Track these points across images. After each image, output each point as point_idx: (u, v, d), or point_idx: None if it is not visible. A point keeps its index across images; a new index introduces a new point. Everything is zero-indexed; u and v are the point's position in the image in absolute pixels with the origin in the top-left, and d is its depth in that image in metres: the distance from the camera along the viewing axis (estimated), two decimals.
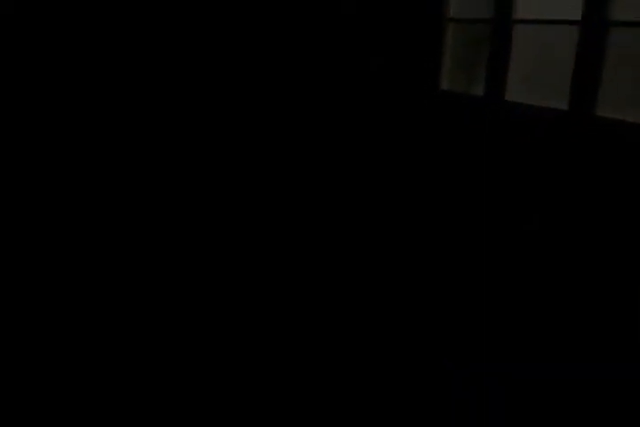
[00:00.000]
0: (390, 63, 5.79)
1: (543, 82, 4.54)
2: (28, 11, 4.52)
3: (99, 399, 2.54)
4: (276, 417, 2.40)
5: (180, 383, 2.64)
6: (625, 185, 3.87)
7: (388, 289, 3.51)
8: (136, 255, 3.99)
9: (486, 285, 3.59)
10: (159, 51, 5.29)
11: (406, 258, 3.94)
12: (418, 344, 2.91)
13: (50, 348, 2.92)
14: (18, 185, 5.14)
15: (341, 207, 4.86)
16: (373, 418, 2.39)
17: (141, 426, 2.37)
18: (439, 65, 5.36)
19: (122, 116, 5.36)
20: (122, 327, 3.12)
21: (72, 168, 5.32)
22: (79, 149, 5.32)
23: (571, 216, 4.28)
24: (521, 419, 2.36)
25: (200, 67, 5.43)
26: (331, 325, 3.11)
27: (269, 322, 3.15)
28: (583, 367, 2.63)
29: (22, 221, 4.54)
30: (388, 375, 2.66)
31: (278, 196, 5.18)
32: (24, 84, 5.02)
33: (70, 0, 4.83)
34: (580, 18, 4.23)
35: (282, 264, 3.85)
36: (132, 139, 5.45)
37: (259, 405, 2.48)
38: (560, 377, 2.58)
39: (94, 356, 2.86)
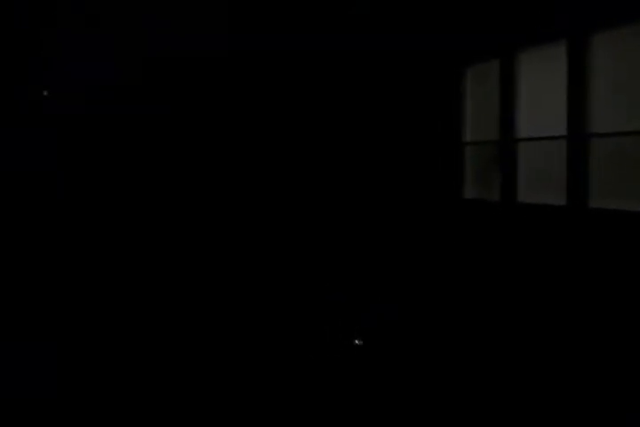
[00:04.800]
0: (425, 179, 7.01)
1: (545, 185, 5.59)
2: (154, 80, 5.96)
3: (98, 398, 2.76)
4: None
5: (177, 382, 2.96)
6: (611, 266, 4.72)
7: None
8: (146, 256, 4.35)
9: None
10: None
11: None
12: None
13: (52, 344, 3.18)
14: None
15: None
16: None
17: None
18: (461, 178, 6.54)
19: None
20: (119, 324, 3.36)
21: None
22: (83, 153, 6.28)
23: (559, 291, 5.07)
24: None
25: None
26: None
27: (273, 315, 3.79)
28: None
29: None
30: None
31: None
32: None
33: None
34: (565, 133, 5.39)
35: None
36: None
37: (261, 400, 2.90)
38: None
39: (95, 354, 3.13)
